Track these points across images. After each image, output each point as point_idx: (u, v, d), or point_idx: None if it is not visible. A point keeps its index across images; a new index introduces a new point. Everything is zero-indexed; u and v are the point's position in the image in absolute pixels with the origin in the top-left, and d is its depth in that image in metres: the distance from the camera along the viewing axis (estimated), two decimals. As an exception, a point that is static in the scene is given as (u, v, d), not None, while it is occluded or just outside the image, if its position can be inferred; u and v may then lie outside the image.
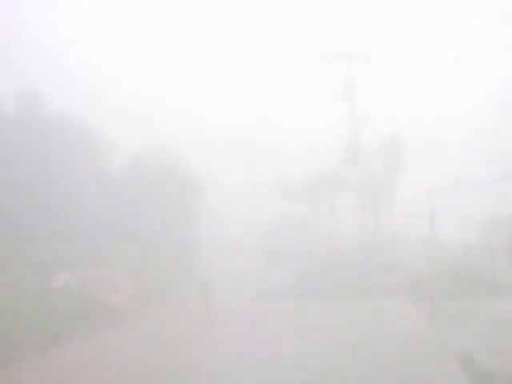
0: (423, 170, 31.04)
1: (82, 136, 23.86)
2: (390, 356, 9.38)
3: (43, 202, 17.99)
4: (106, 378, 8.73)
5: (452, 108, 42.60)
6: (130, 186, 22.93)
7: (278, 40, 57.98)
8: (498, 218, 22.32)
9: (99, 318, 13.33)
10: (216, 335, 11.95)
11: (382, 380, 8.11)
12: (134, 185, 22.95)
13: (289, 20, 57.76)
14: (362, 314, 14.18)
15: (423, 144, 35.42)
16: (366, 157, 28.43)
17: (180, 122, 38.65)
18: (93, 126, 25.34)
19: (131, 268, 17.73)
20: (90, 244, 17.75)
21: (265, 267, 26.18)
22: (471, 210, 21.19)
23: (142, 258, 20.05)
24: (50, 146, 20.64)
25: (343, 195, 28.47)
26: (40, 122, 21.70)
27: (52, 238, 16.09)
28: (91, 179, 21.96)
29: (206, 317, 14.19)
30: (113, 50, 41.65)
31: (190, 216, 24.87)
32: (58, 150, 20.89)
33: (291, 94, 51.20)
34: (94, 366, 9.47)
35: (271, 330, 12.29)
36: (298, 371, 8.68)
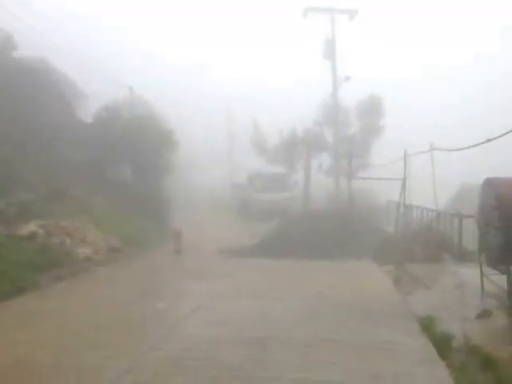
0: (401, 134, 31.29)
1: (55, 82, 23.34)
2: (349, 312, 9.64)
3: (12, 149, 17.65)
4: (66, 325, 8.79)
5: (439, 69, 42.81)
6: (102, 136, 22.62)
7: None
8: (471, 185, 22.79)
9: (65, 268, 13.35)
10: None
11: (337, 332, 8.36)
12: (107, 135, 22.64)
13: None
14: (327, 273, 14.53)
15: (404, 107, 35.71)
16: (344, 118, 28.54)
17: (155, 73, 38.12)
18: (67, 73, 24.85)
19: (101, 220, 17.71)
20: (59, 194, 17.57)
21: (237, 224, 26.43)
22: (447, 176, 21.54)
23: (113, 210, 20.06)
24: (22, 89, 20.11)
25: (319, 156, 28.68)
26: (11, 63, 21.12)
27: (20, 188, 15.86)
28: (64, 127, 21.62)
29: (174, 270, 14.44)
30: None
31: (164, 170, 24.76)
32: (30, 94, 20.38)
33: (272, 51, 50.98)
34: (55, 315, 9.53)
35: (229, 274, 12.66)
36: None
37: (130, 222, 19.90)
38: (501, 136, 9.90)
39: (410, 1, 54.69)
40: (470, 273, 12.20)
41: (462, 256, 15.09)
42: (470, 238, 13.77)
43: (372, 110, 27.99)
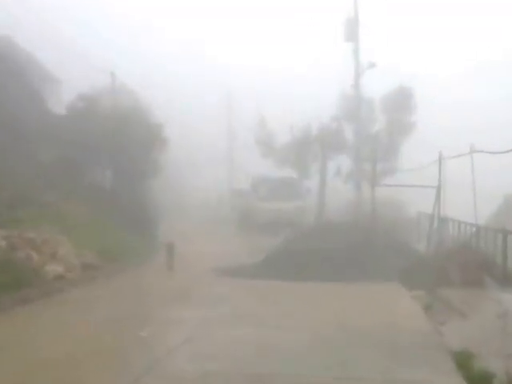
0: (435, 134, 31.36)
1: (19, 64, 23.41)
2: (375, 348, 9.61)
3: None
4: (26, 358, 8.76)
5: (480, 64, 42.64)
6: (78, 131, 22.69)
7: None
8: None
9: (31, 289, 13.36)
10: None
11: (355, 369, 8.32)
12: (84, 130, 22.72)
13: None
14: (345, 297, 14.49)
15: (439, 104, 35.81)
16: (367, 112, 28.58)
17: (144, 57, 38.37)
18: (35, 53, 25.04)
19: (75, 231, 17.75)
20: (25, 200, 17.63)
21: (237, 237, 26.45)
22: (488, 186, 21.52)
23: (90, 219, 20.12)
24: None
25: (337, 158, 28.76)
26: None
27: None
28: (31, 119, 21.70)
29: (161, 292, 14.45)
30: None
31: (152, 172, 24.93)
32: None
33: (281, 32, 51.02)
34: (14, 345, 9.51)
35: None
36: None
37: (110, 234, 19.97)
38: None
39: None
40: (515, 300, 12.13)
41: (506, 279, 15.01)
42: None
43: (401, 103, 28.04)
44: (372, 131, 28.82)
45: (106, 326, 11.00)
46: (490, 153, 14.78)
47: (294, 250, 19.41)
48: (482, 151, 16.02)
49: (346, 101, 28.50)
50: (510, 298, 12.83)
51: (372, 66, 26.94)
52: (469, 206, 18.53)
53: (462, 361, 8.80)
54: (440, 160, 17.48)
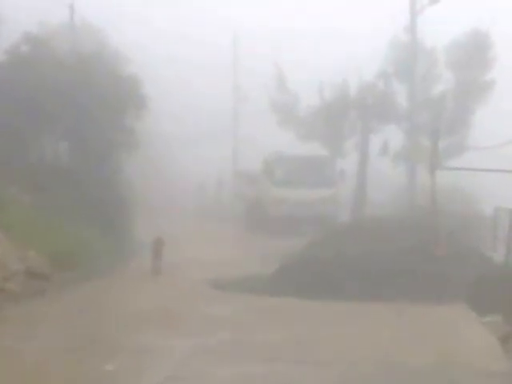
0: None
1: None
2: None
3: None
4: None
5: None
6: (21, 85, 22.53)
7: None
8: None
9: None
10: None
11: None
12: (30, 85, 22.59)
13: None
14: (391, 323, 14.43)
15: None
16: (427, 67, 28.43)
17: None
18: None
19: (17, 227, 17.78)
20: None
21: (242, 238, 26.45)
22: None
23: (38, 210, 20.15)
24: None
25: (384, 130, 28.66)
26: None
27: None
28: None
29: (135, 311, 14.46)
30: None
31: (126, 147, 24.88)
32: None
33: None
34: None
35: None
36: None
37: (67, 230, 20.00)
38: None
39: None
40: None
41: None
42: None
43: (474, 55, 27.82)
44: (433, 93, 28.66)
45: (53, 358, 10.96)
46: None
47: (321, 256, 19.36)
48: None
49: (396, 50, 28.46)
50: None
51: (434, 1, 26.77)
52: None
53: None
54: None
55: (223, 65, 44.08)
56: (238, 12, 42.33)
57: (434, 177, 22.62)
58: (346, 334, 13.59)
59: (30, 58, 23.74)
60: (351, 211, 27.07)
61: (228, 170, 41.18)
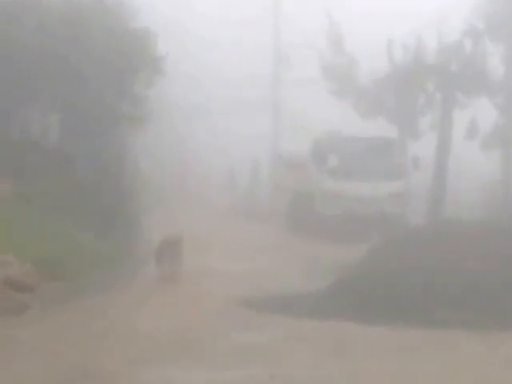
0: None
1: None
2: None
3: None
4: None
5: None
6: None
7: None
8: None
9: None
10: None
11: None
12: (10, 43, 22.72)
13: None
14: (497, 366, 14.26)
15: None
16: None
17: None
18: None
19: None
20: None
21: (285, 243, 26.43)
22: None
23: (20, 203, 20.29)
24: None
25: (473, 104, 28.49)
26: None
27: None
28: None
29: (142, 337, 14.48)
30: None
31: (132, 121, 24.90)
32: None
33: None
34: None
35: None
36: None
37: (57, 230, 20.19)
38: None
39: None
40: None
41: None
42: None
43: None
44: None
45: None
46: None
47: (387, 269, 19.28)
48: None
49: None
50: None
51: None
52: None
53: None
54: None
55: (261, 17, 44.02)
56: None
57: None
58: (423, 372, 13.50)
59: (9, 7, 23.87)
60: (427, 211, 26.94)
61: (266, 153, 41.07)
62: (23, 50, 22.47)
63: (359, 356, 14.45)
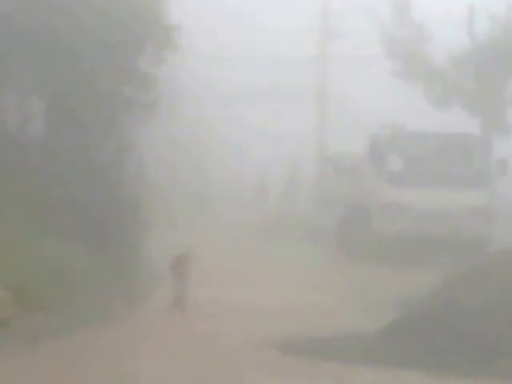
0: None
1: None
2: None
3: None
4: None
5: None
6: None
7: None
8: None
9: None
10: None
11: None
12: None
13: None
14: None
15: None
16: None
17: None
18: None
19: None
20: None
21: (332, 267, 26.58)
22: None
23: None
24: None
25: None
26: None
27: None
28: None
29: None
30: None
31: (140, 112, 25.12)
32: None
33: None
34: None
35: None
36: None
37: (39, 248, 20.40)
38: None
39: None
40: None
41: None
42: None
43: None
44: None
45: None
46: None
47: (466, 305, 19.30)
48: None
49: None
50: None
51: None
52: None
53: None
54: None
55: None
56: None
57: None
58: None
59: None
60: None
61: (307, 154, 41.29)
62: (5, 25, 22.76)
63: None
